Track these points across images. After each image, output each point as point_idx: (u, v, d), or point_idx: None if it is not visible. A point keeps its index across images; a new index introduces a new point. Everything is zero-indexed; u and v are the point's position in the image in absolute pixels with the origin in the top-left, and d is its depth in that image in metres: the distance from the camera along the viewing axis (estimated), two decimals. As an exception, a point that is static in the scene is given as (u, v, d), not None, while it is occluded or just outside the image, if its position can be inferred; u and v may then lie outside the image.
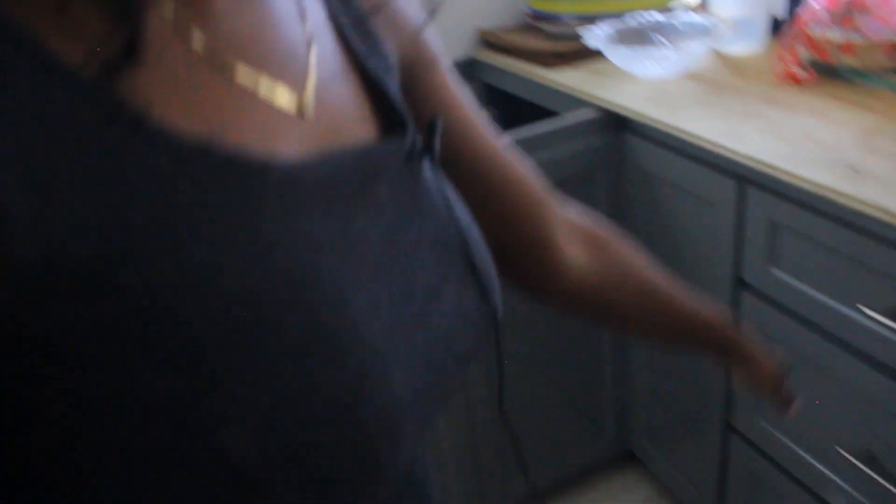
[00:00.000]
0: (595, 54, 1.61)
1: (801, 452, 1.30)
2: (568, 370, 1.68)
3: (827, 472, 1.26)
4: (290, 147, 0.42)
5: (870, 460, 1.15)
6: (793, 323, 1.20)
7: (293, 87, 0.43)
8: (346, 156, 0.44)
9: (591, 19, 1.67)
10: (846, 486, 1.23)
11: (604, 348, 1.68)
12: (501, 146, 0.62)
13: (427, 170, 0.50)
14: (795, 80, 1.40)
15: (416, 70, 0.57)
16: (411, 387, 0.44)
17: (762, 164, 1.13)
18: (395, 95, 0.50)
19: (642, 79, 1.52)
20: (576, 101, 1.53)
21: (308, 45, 0.46)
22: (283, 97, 0.43)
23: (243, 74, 0.41)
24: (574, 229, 0.68)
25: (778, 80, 1.42)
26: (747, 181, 1.19)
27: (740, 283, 1.29)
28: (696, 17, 1.62)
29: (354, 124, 0.47)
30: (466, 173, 0.59)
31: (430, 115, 0.53)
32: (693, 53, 1.50)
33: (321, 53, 0.47)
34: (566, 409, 1.73)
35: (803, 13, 1.40)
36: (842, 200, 1.02)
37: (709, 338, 0.76)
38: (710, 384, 1.46)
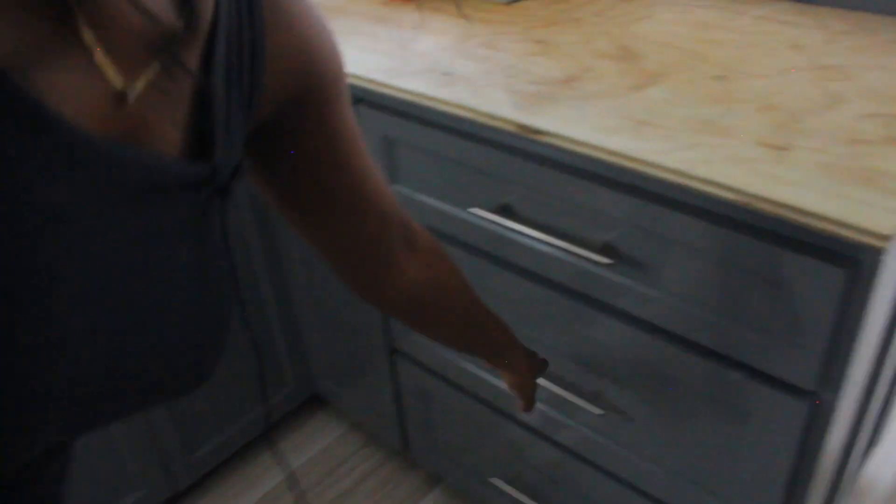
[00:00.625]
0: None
1: (458, 360, 1.34)
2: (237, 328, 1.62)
3: (484, 375, 1.31)
4: (93, 121, 0.40)
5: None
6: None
7: (128, 71, 0.42)
8: (141, 154, 0.43)
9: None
10: (502, 385, 1.29)
11: (266, 300, 1.64)
12: (372, 173, 0.67)
13: (218, 206, 0.50)
14: (403, -1, 1.41)
15: (309, 97, 0.59)
16: (80, 388, 0.43)
17: (365, 80, 1.12)
18: (220, 128, 0.49)
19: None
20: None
21: (165, 46, 0.44)
22: (112, 75, 0.41)
23: (88, 37, 0.39)
24: (415, 249, 0.77)
25: (387, 0, 1.42)
26: (357, 100, 1.18)
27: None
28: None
29: (167, 134, 0.46)
30: (335, 197, 0.65)
31: (308, 143, 0.60)
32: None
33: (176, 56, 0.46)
34: (243, 366, 1.68)
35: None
36: (438, 106, 1.03)
37: (499, 351, 0.95)
38: (369, 312, 1.47)
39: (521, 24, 1.25)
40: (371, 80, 1.11)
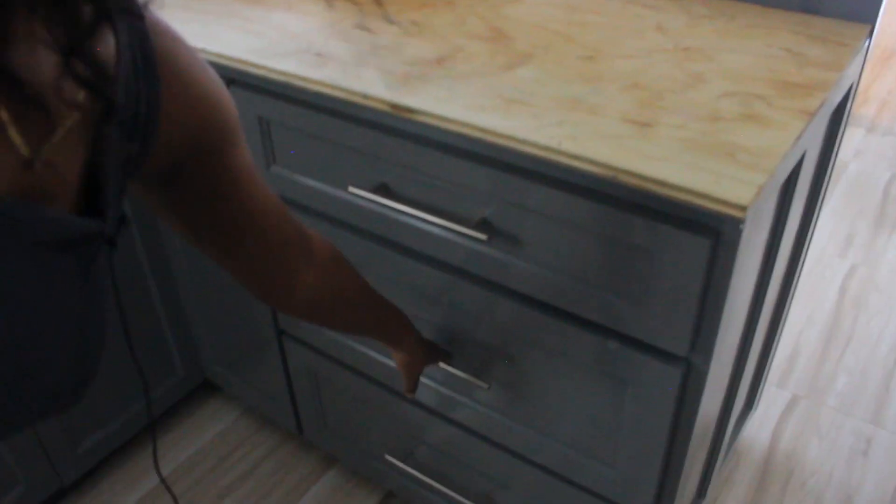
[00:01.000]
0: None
1: (346, 341, 1.34)
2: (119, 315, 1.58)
3: (373, 354, 1.32)
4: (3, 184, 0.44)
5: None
6: (302, 215, 1.22)
7: (34, 140, 0.45)
8: (43, 213, 0.46)
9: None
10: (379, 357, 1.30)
11: (150, 288, 1.60)
12: (270, 201, 0.74)
13: (105, 253, 0.54)
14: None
15: (206, 146, 0.63)
16: None
17: (237, 60, 1.10)
18: (112, 185, 0.53)
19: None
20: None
21: (68, 110, 0.47)
22: (22, 146, 0.44)
23: (3, 115, 0.43)
24: (314, 258, 0.85)
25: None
26: (230, 81, 1.16)
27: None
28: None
29: (64, 191, 0.49)
30: (237, 227, 0.72)
31: (209, 184, 0.66)
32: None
33: (75, 121, 0.48)
34: (126, 359, 1.64)
35: None
36: (311, 86, 1.02)
37: (393, 335, 1.05)
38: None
39: (395, 5, 1.25)
40: (243, 61, 1.09)
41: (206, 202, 0.68)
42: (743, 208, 0.77)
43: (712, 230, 0.82)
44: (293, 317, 0.90)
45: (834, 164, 1.30)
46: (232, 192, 0.69)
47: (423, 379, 1.27)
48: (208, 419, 1.87)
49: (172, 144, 0.60)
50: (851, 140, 3.01)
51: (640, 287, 0.90)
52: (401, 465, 1.43)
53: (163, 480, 0.82)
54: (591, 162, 0.84)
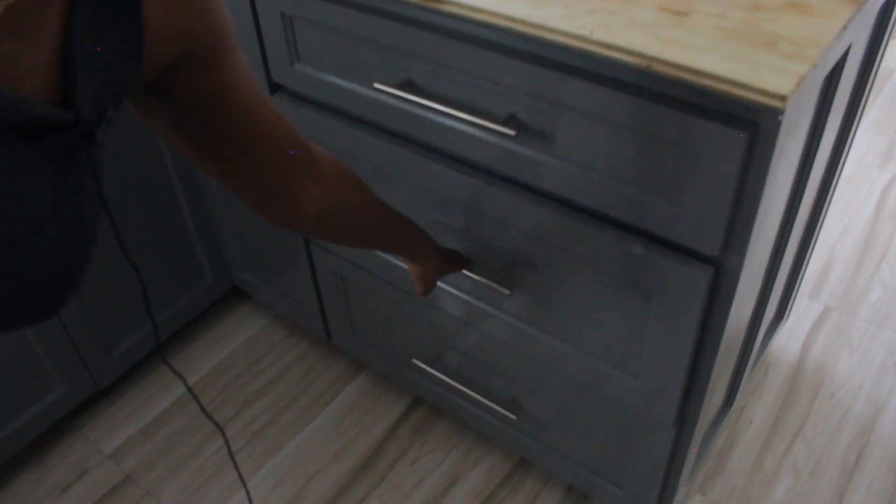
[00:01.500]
0: None
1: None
2: (147, 224, 1.58)
3: (396, 258, 1.31)
4: None
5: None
6: (324, 117, 1.20)
7: None
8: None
9: None
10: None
11: (178, 196, 1.60)
12: (270, 115, 0.73)
13: (86, 151, 0.52)
14: None
15: (199, 51, 0.62)
16: None
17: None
18: (83, 74, 0.50)
19: None
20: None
21: None
22: None
23: None
24: (319, 176, 0.83)
25: None
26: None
27: (273, 88, 1.26)
28: None
29: (27, 76, 0.46)
30: (237, 142, 0.70)
31: (205, 95, 0.65)
32: None
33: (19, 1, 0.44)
34: (157, 263, 1.64)
35: None
36: (335, -24, 1.00)
37: (408, 248, 1.03)
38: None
39: None
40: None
41: (203, 115, 0.67)
42: (782, 98, 0.74)
43: (750, 123, 0.79)
44: (303, 235, 0.88)
45: (879, 65, 1.24)
46: (229, 102, 0.67)
47: (447, 287, 1.26)
48: (237, 326, 1.89)
49: (163, 46, 0.58)
50: (896, 49, 2.91)
51: (672, 184, 0.88)
52: (428, 369, 1.43)
53: (190, 389, 0.82)
54: (624, 51, 0.81)
